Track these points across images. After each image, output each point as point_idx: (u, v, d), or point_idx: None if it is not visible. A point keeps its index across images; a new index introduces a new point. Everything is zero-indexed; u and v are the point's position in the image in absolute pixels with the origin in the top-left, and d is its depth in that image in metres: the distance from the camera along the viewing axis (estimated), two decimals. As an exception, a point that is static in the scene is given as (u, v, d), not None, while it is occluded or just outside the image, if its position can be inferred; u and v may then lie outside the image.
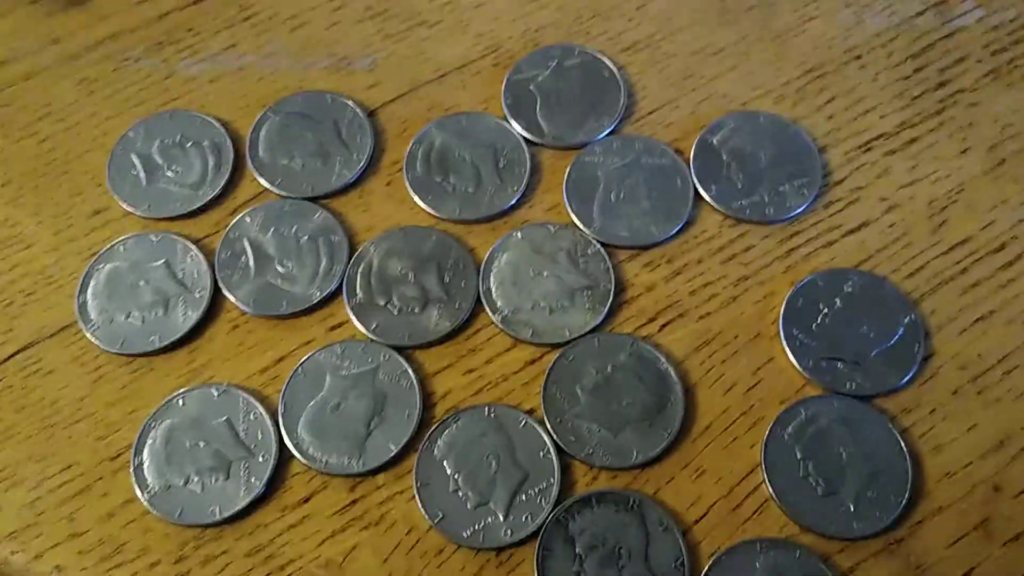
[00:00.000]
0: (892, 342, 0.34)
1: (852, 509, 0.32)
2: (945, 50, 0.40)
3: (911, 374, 0.34)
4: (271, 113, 0.40)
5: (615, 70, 0.40)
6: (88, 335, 0.36)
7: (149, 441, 0.34)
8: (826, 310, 0.35)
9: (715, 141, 0.38)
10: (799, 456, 0.33)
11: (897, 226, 0.37)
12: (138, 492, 0.33)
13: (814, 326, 0.35)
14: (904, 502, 0.32)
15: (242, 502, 0.33)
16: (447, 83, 0.41)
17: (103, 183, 0.39)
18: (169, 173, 0.39)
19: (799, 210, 0.37)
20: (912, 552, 0.31)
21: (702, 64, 0.40)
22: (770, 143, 0.38)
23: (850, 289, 0.35)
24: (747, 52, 0.41)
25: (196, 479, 0.33)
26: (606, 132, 0.39)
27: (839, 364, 0.34)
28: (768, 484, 0.32)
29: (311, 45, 0.42)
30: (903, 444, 0.33)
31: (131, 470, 0.33)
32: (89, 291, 0.36)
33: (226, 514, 0.33)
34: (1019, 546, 0.32)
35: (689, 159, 0.38)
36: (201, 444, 0.34)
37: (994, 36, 0.40)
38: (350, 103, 0.40)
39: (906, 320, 0.35)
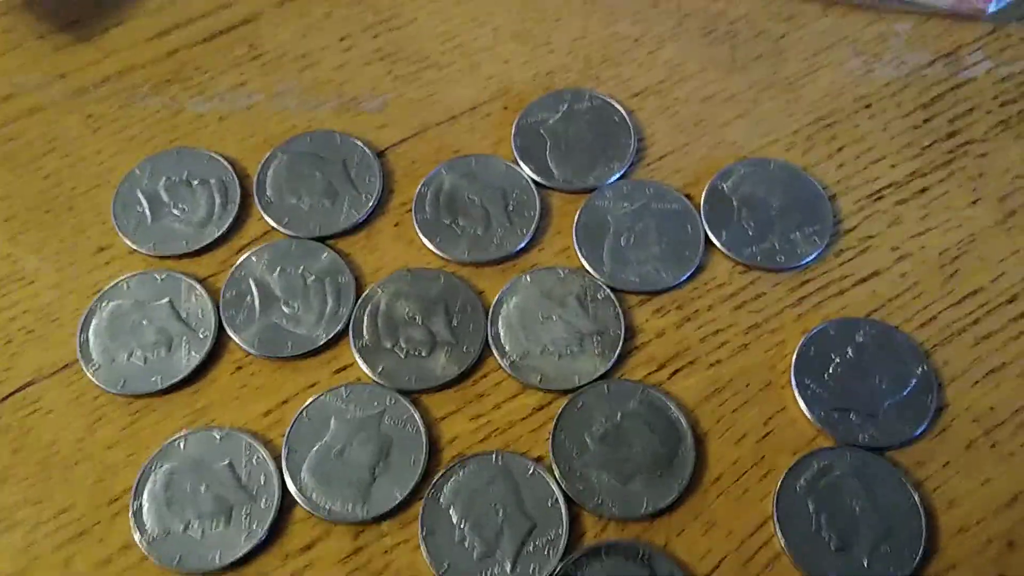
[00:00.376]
0: (905, 393, 0.34)
1: (866, 565, 0.31)
2: (955, 101, 0.40)
3: (924, 426, 0.33)
4: (279, 152, 0.40)
5: (626, 115, 0.40)
6: (89, 375, 0.35)
7: (149, 484, 0.33)
8: (838, 360, 0.35)
9: (726, 187, 0.38)
10: (812, 509, 0.32)
11: (908, 276, 0.37)
12: (136, 537, 0.32)
13: (826, 376, 0.34)
14: (918, 558, 0.31)
15: (243, 549, 0.32)
16: (457, 125, 0.40)
17: (108, 220, 0.38)
18: (175, 211, 0.38)
19: (810, 258, 0.37)
20: (927, 609, 0.31)
21: (712, 110, 0.40)
22: (781, 190, 0.38)
23: (862, 339, 0.35)
24: (757, 99, 0.41)
25: (196, 524, 0.32)
26: (616, 176, 0.39)
27: (851, 415, 0.34)
28: (780, 537, 0.32)
29: (320, 85, 0.42)
30: (917, 498, 0.32)
31: (130, 514, 0.33)
32: (91, 329, 0.36)
33: (226, 561, 0.32)
34: (1035, 604, 0.31)
35: (700, 205, 0.38)
36: (202, 488, 0.33)
37: (1003, 87, 0.40)
38: (359, 143, 0.40)
39: (919, 371, 0.34)
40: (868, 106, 0.40)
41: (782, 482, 0.33)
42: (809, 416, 0.34)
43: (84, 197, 0.39)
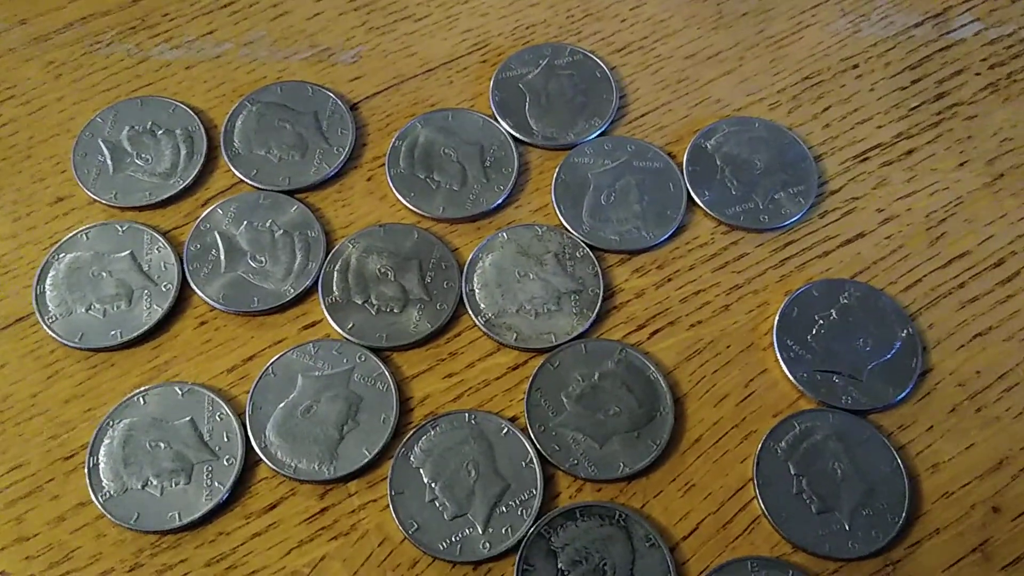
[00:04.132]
0: (889, 356, 0.33)
1: (847, 528, 0.30)
2: (943, 62, 0.39)
3: (908, 390, 0.33)
4: (248, 103, 0.38)
5: (607, 71, 0.39)
6: (45, 327, 0.34)
7: (106, 441, 0.32)
8: (821, 321, 0.34)
9: (709, 146, 0.37)
10: (792, 472, 0.31)
11: (894, 238, 0.36)
12: (92, 495, 0.31)
13: (809, 337, 0.33)
14: (901, 522, 0.31)
15: (204, 508, 0.31)
16: (433, 79, 0.39)
17: (67, 169, 0.37)
18: (138, 161, 0.37)
19: (794, 219, 0.36)
20: (909, 575, 0.30)
21: (696, 68, 0.39)
22: (765, 150, 0.37)
23: (846, 300, 0.34)
24: (742, 57, 0.39)
25: (155, 482, 0.31)
26: (597, 133, 0.38)
27: (834, 377, 0.33)
28: (760, 500, 0.31)
29: (292, 35, 0.40)
30: (900, 462, 0.31)
31: (85, 471, 0.31)
32: (48, 281, 0.34)
33: (186, 520, 0.31)
34: (1018, 570, 0.30)
35: (682, 163, 0.37)
36: (162, 445, 0.32)
37: (992, 50, 0.40)
38: (331, 95, 0.38)
39: (903, 334, 0.34)
40: (855, 66, 0.39)
41: (763, 444, 0.32)
42: (791, 378, 0.33)
43: (43, 146, 0.37)
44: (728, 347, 0.34)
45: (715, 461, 0.32)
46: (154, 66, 0.39)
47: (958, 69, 0.39)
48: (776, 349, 0.33)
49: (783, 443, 0.32)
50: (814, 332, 0.34)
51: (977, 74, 0.39)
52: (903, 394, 0.33)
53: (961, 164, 0.37)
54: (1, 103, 0.38)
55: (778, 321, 0.34)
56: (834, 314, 0.34)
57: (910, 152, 0.37)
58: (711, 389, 0.33)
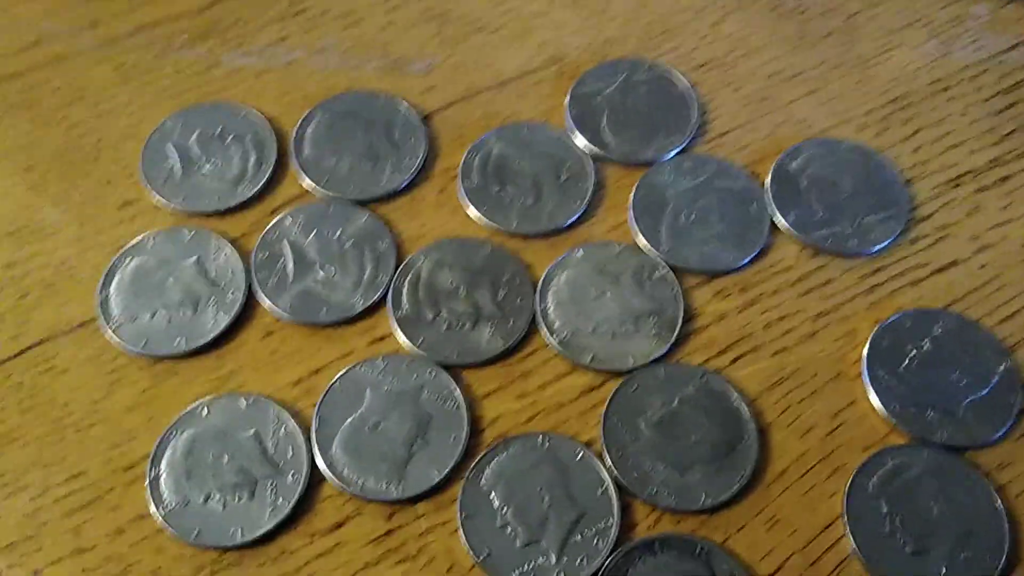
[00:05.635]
0: (986, 392, 0.31)
1: (944, 571, 0.29)
2: (1037, 88, 0.38)
3: (1007, 427, 0.31)
4: (319, 111, 0.37)
5: (687, 87, 0.38)
6: (108, 333, 0.33)
7: (168, 452, 0.31)
8: (914, 352, 0.32)
9: (793, 167, 0.36)
10: (885, 510, 0.30)
11: (988, 267, 0.34)
12: (153, 507, 0.30)
13: (901, 369, 0.32)
14: (1001, 566, 0.29)
15: (267, 525, 0.30)
16: (507, 91, 0.38)
17: (135, 174, 0.36)
18: (207, 167, 0.36)
19: (883, 244, 0.34)
20: (1010, 624, 0.28)
21: (779, 87, 0.38)
22: (852, 172, 0.36)
23: (940, 331, 0.32)
24: (826, 77, 0.38)
25: (218, 496, 0.30)
26: (676, 150, 0.36)
27: (928, 412, 0.31)
28: (850, 538, 0.29)
29: (364, 44, 0.39)
30: (999, 503, 0.30)
31: (146, 483, 0.30)
32: (112, 286, 0.34)
33: (248, 537, 0.29)
34: None
35: (765, 184, 0.35)
36: (225, 458, 0.31)
37: (1089, 76, 0.38)
38: (403, 105, 0.37)
39: (1001, 368, 0.32)
40: (945, 89, 0.38)
41: (853, 479, 0.30)
42: (882, 411, 0.31)
43: (111, 149, 0.37)
44: (814, 376, 0.32)
45: (802, 495, 0.30)
46: (224, 72, 0.39)
47: (1053, 95, 0.38)
48: (866, 379, 0.32)
49: (875, 479, 0.30)
50: (906, 364, 0.32)
51: (1073, 101, 0.38)
52: (1002, 432, 0.31)
53: (1059, 193, 0.35)
54: (70, 105, 0.38)
55: (868, 350, 0.32)
56: (928, 345, 0.32)
57: (1005, 179, 0.36)
58: (797, 419, 0.31)
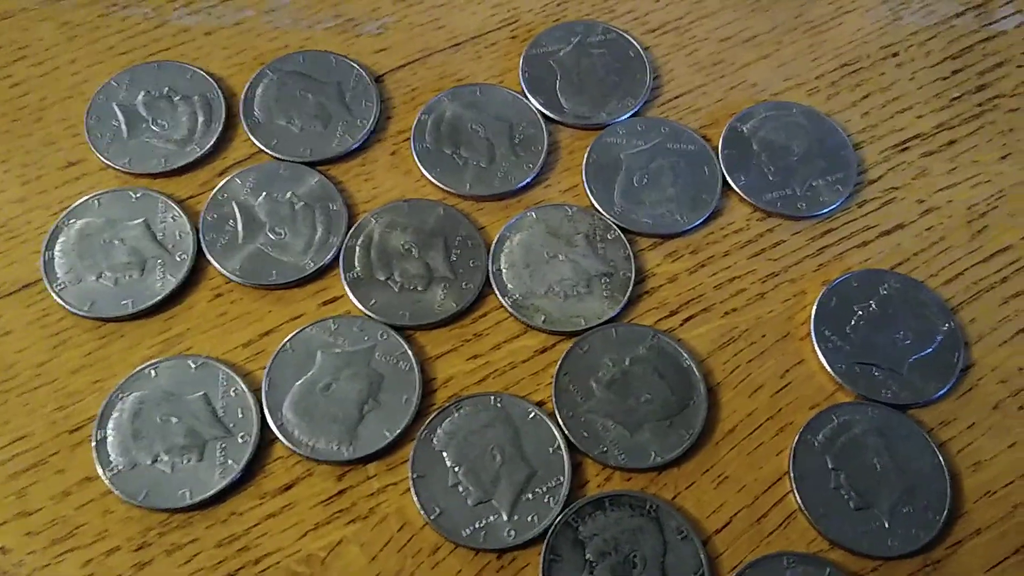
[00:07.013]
0: (930, 350, 0.32)
1: (887, 525, 0.29)
2: (984, 53, 0.38)
3: (949, 385, 0.32)
4: (269, 71, 0.37)
5: (641, 50, 0.38)
6: (53, 295, 0.32)
7: (115, 414, 0.30)
8: (861, 313, 0.33)
9: (745, 130, 0.36)
10: (830, 466, 0.30)
11: (935, 230, 0.35)
12: (99, 470, 0.29)
13: (848, 329, 0.32)
14: (942, 521, 0.29)
15: (216, 486, 0.29)
16: (461, 53, 0.38)
17: (80, 133, 0.35)
18: (154, 127, 0.35)
19: (832, 207, 0.35)
20: (950, 575, 0.29)
21: (732, 51, 0.38)
22: (803, 136, 0.36)
23: (886, 292, 0.33)
24: (779, 42, 0.38)
25: (165, 458, 0.30)
26: (630, 114, 0.36)
27: (874, 370, 0.32)
28: (796, 494, 0.30)
29: (316, 4, 0.39)
30: (941, 458, 0.30)
31: (92, 445, 0.30)
32: (57, 247, 0.33)
33: (197, 498, 0.29)
34: (1062, 574, 0.29)
35: (717, 147, 0.36)
36: (173, 420, 0.30)
37: (1035, 42, 0.39)
38: (356, 66, 0.37)
39: (944, 328, 0.32)
40: (895, 54, 0.38)
41: (799, 437, 0.30)
42: (829, 369, 0.32)
43: (55, 108, 0.36)
44: (763, 336, 0.33)
45: (750, 453, 0.31)
46: (172, 31, 0.38)
47: (1000, 61, 0.38)
48: (814, 339, 0.32)
49: (821, 436, 0.31)
50: (853, 323, 0.32)
51: (1019, 66, 0.38)
52: (944, 389, 0.31)
53: (1003, 157, 0.36)
54: (13, 63, 0.37)
55: (816, 311, 0.33)
56: (874, 305, 0.33)
57: (951, 143, 0.36)
58: (746, 379, 0.32)
